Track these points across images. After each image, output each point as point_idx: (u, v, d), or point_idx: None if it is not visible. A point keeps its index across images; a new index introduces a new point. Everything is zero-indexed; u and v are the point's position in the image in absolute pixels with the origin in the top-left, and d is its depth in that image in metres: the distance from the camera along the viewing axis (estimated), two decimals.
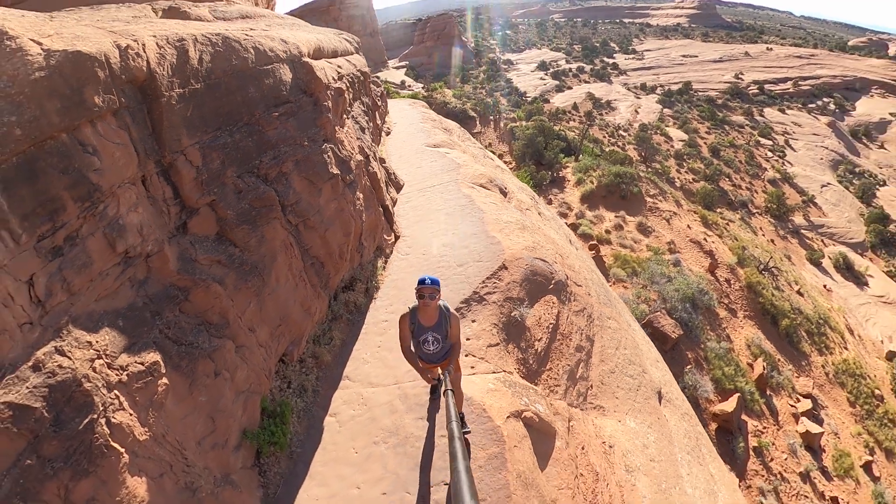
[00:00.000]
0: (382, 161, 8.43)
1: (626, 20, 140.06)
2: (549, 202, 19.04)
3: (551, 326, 5.57)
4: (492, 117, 39.71)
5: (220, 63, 3.55)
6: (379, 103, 12.52)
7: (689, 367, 13.11)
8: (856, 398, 16.19)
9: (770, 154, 41.93)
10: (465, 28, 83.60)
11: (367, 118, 8.38)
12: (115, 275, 2.93)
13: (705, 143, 41.46)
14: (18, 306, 2.48)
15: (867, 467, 14.39)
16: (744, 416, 13.78)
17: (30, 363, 2.48)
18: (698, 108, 53.61)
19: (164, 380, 3.04)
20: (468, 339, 5.24)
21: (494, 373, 4.79)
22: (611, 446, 4.79)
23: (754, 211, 27.64)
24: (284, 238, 4.31)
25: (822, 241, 29.65)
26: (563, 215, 17.92)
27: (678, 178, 23.05)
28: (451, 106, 36.97)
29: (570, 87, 61.33)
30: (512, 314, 5.47)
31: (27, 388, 2.44)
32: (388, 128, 13.17)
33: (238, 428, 3.84)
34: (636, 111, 52.42)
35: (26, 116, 2.32)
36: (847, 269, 26.50)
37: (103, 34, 2.72)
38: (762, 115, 54.22)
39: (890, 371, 18.93)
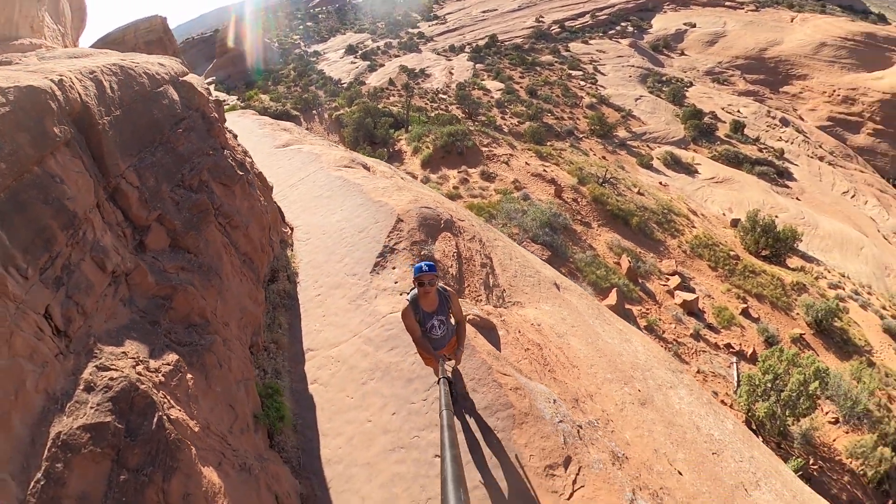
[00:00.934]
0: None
1: None
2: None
3: (455, 254, 6.87)
4: (314, 111, 39.84)
5: (126, 90, 3.79)
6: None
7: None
8: (716, 263, 20.35)
9: (583, 83, 49.09)
10: (266, 29, 79.58)
11: (235, 136, 8.54)
12: (111, 295, 3.24)
13: (521, 87, 46.73)
14: (48, 338, 2.76)
15: (745, 313, 18.57)
16: (627, 306, 17.09)
17: (81, 387, 2.74)
18: (508, 57, 59.42)
19: (189, 375, 3.47)
20: (396, 283, 6.24)
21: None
22: (539, 325, 6.30)
23: (581, 136, 32.84)
24: (222, 239, 4.73)
25: (648, 146, 36.41)
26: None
27: (505, 124, 26.40)
28: (271, 110, 36.11)
29: (382, 65, 63.51)
30: (422, 252, 6.60)
31: (91, 407, 2.70)
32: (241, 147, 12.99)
33: (250, 412, 4.31)
34: (450, 73, 56.17)
35: (6, 150, 2.58)
36: (676, 164, 33.02)
37: (28, 73, 2.94)
38: (568, 51, 62.38)
39: (737, 235, 24.47)
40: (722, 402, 13.36)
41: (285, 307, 6.49)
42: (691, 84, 52.57)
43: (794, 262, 23.27)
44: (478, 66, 57.84)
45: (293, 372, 5.53)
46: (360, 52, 72.36)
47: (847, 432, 12.92)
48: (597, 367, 5.89)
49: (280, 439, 4.72)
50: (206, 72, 67.36)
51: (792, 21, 62.50)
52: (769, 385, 11.87)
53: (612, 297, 15.75)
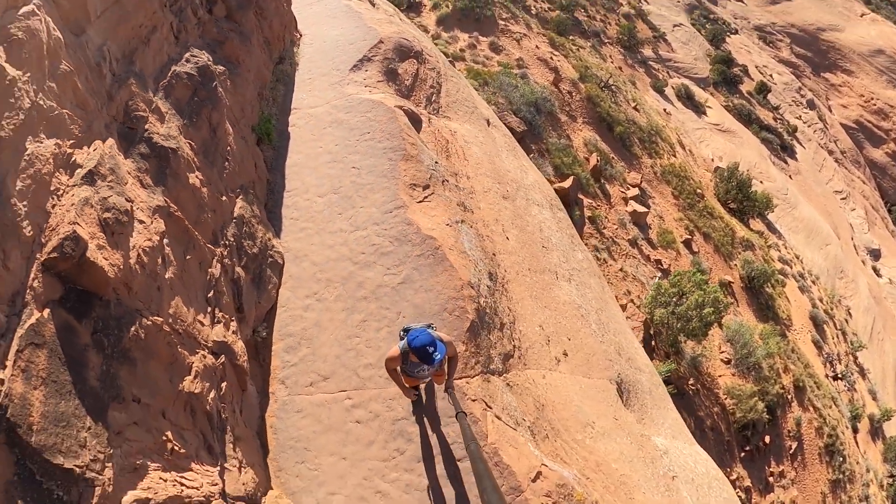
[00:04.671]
0: None
1: None
2: None
3: (413, 73, 10.13)
4: None
5: None
6: None
7: (532, 154, 19.07)
8: (679, 193, 23.36)
9: None
10: None
11: None
12: (196, 28, 6.58)
13: None
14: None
15: (687, 244, 22.01)
16: (580, 196, 20.56)
17: (184, 58, 6.23)
18: None
19: (228, 81, 6.94)
20: (364, 79, 9.55)
21: (383, 93, 9.26)
22: (453, 132, 9.76)
23: (605, 41, 34.02)
24: (255, 22, 7.97)
25: (668, 73, 37.92)
26: None
27: (534, 6, 27.67)
28: None
29: None
30: (389, 66, 9.86)
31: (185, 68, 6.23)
32: None
33: (252, 122, 7.87)
34: None
35: None
36: (688, 99, 34.97)
37: None
38: None
39: (713, 179, 27.36)
40: (632, 301, 17.36)
41: (284, 83, 9.83)
42: (736, 32, 52.50)
43: (756, 225, 26.47)
44: None
45: (280, 118, 9.06)
46: None
47: (733, 375, 16.70)
48: (483, 168, 9.50)
49: (263, 147, 8.36)
50: None
51: (861, 16, 60.82)
52: (672, 298, 15.16)
53: (568, 182, 19.05)
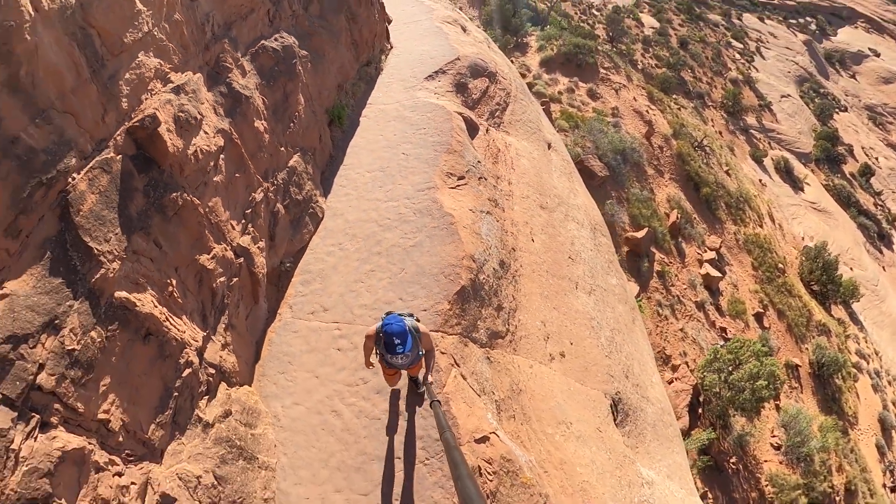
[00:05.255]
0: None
1: None
2: (511, 63, 24.34)
3: (483, 89, 11.28)
4: None
5: None
6: None
7: (610, 200, 19.30)
8: (760, 265, 22.45)
9: (738, 56, 48.94)
10: None
11: None
12: (290, 17, 8.28)
13: (676, 34, 47.88)
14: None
15: (759, 317, 20.93)
16: (653, 249, 20.28)
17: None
18: (676, 0, 60.12)
19: (309, 64, 8.53)
20: (434, 88, 10.84)
21: (448, 101, 10.47)
22: (508, 144, 10.67)
23: (709, 104, 33.66)
24: (345, 24, 9.71)
25: (769, 143, 36.62)
26: (522, 75, 23.29)
27: (641, 61, 28.32)
28: None
29: None
30: (460, 80, 11.11)
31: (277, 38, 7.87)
32: None
33: (327, 106, 9.40)
34: None
35: None
36: (786, 173, 33.58)
37: None
38: (740, 20, 62.11)
39: (798, 257, 25.86)
40: (686, 364, 16.75)
41: (366, 82, 11.47)
42: (845, 109, 49.43)
43: (837, 312, 24.19)
44: None
45: (355, 110, 10.59)
46: None
47: (780, 462, 15.45)
48: (528, 178, 10.23)
49: (333, 128, 9.84)
50: None
51: None
52: (727, 365, 14.49)
53: (642, 232, 18.99)
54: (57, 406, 3.41)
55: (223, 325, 5.69)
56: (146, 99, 5.14)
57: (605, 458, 7.07)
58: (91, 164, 4.27)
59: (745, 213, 22.94)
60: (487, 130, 10.49)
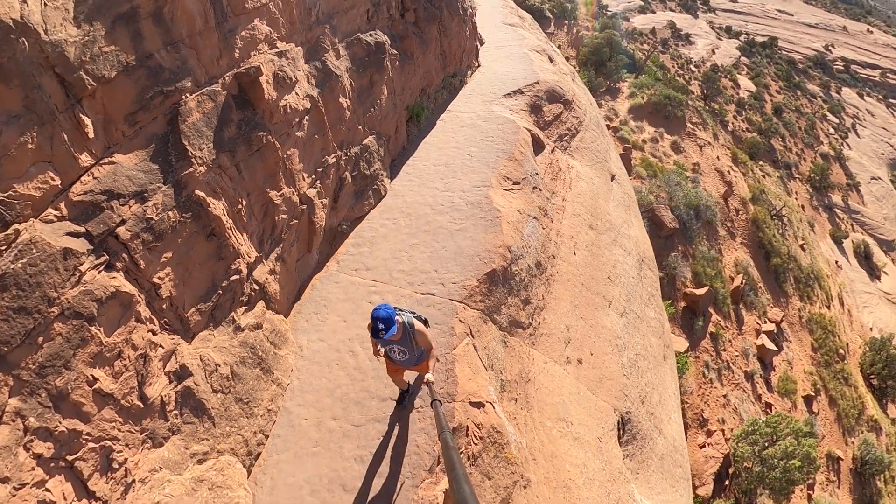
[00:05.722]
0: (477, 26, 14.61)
1: None
2: (599, 105, 24.53)
3: (556, 114, 11.73)
4: (566, 21, 45.01)
5: None
6: None
7: (675, 253, 18.83)
8: (820, 346, 20.90)
9: (832, 131, 46.39)
10: None
11: None
12: (388, 24, 9.29)
13: (772, 100, 46.46)
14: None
15: (808, 400, 19.45)
16: (711, 309, 19.42)
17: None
18: (776, 66, 59.41)
19: (396, 62, 9.46)
20: (510, 105, 11.44)
21: (520, 117, 11.03)
22: (570, 167, 10.99)
23: (796, 175, 31.71)
24: (436, 35, 10.65)
25: (852, 225, 33.79)
26: (609, 119, 23.43)
27: (732, 123, 27.34)
28: (530, 2, 42.01)
29: (653, 11, 67.59)
30: (536, 102, 11.65)
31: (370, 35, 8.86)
32: (474, 4, 19.53)
33: (408, 103, 10.28)
34: (713, 51, 58.22)
35: None
36: (865, 258, 30.84)
37: None
38: (839, 94, 59.48)
39: (862, 347, 23.60)
40: (722, 431, 15.83)
41: (449, 91, 12.33)
42: None
43: (893, 411, 21.53)
44: (742, 58, 58.93)
45: (434, 113, 11.42)
46: None
47: None
48: (583, 199, 10.47)
49: (411, 125, 10.68)
50: None
51: None
52: (763, 438, 13.54)
53: (702, 290, 18.35)
54: (124, 255, 4.20)
55: (275, 255, 6.44)
56: (254, 55, 6.11)
57: (597, 467, 7.01)
58: (201, 91, 5.20)
59: (814, 291, 21.43)
60: (553, 150, 10.90)
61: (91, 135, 4.11)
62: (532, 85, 12.18)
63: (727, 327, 18.40)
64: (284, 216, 6.51)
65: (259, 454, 5.41)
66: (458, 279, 7.07)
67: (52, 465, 3.66)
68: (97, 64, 4.14)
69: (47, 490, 3.58)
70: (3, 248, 3.43)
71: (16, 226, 3.55)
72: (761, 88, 49.66)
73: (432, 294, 6.93)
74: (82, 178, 4.05)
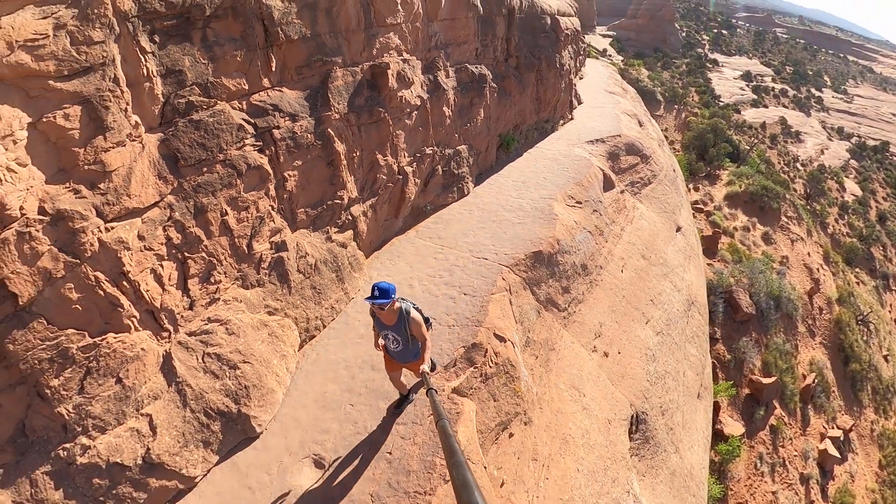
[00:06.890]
0: (574, 85, 16.22)
1: (849, 57, 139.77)
2: (696, 189, 24.40)
3: (632, 164, 12.66)
4: (676, 106, 45.20)
5: (529, 9, 11.63)
6: (581, 54, 20.43)
7: (746, 338, 17.85)
8: (888, 464, 18.07)
9: None
10: (673, 19, 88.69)
11: (572, 57, 16.22)
12: (494, 60, 11.16)
13: (877, 207, 42.04)
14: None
15: None
16: (775, 402, 17.88)
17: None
18: (886, 172, 53.98)
19: (490, 94, 11.21)
20: (589, 149, 12.61)
21: (598, 160, 12.13)
22: (635, 207, 11.74)
23: (893, 288, 28.03)
24: (533, 81, 12.39)
25: None
26: (704, 203, 23.25)
27: (833, 226, 25.30)
28: (642, 84, 43.04)
29: (765, 106, 65.10)
30: (614, 151, 12.72)
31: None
32: (582, 75, 21.08)
33: (501, 132, 11.92)
34: (822, 151, 55.02)
35: None
36: None
37: None
38: None
39: None
40: None
41: (540, 132, 13.89)
42: None
43: None
44: (852, 161, 54.96)
45: (522, 146, 12.96)
46: (753, 83, 74.43)
47: None
48: (640, 234, 11.07)
49: (499, 152, 12.21)
50: (611, 25, 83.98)
51: None
52: None
53: (770, 380, 17.26)
54: (272, 148, 5.95)
55: (370, 203, 8.01)
56: (385, 56, 8.05)
57: (600, 441, 7.11)
58: (346, 68, 7.13)
59: (892, 405, 18.84)
60: (622, 192, 11.79)
61: (273, 69, 6.02)
62: (614, 136, 13.33)
63: (790, 424, 16.96)
64: (384, 177, 8.13)
65: (314, 337, 6.63)
66: (508, 251, 8.15)
67: (174, 251, 4.98)
68: (288, 28, 6.13)
69: (160, 265, 4.84)
70: (204, 108, 5.25)
71: (216, 101, 5.40)
72: (867, 193, 46.33)
73: (485, 259, 8.04)
74: (260, 93, 5.93)
